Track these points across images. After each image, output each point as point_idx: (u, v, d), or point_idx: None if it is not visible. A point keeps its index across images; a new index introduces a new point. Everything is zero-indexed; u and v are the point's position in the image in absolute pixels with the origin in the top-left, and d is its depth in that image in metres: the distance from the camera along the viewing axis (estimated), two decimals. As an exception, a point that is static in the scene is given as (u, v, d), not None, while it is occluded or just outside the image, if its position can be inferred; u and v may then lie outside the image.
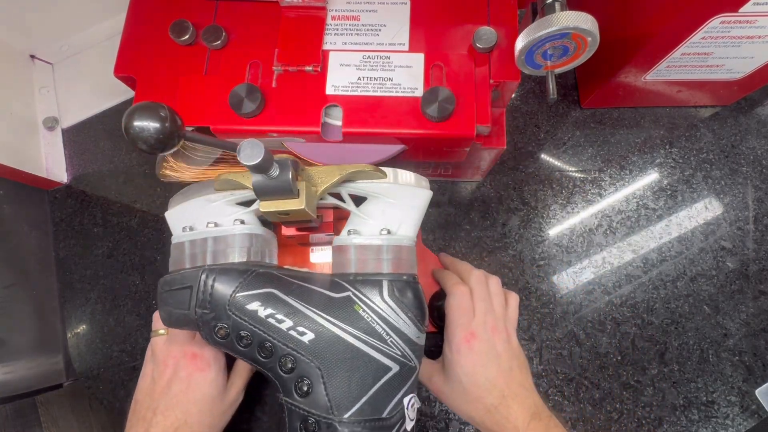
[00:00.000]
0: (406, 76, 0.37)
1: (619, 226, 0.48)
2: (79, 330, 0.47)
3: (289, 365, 0.29)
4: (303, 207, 0.29)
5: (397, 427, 0.30)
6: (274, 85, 0.36)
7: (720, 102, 0.51)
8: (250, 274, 0.31)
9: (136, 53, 0.38)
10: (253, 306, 0.30)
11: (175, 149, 0.26)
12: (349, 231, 0.33)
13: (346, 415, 0.28)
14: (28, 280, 0.46)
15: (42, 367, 0.46)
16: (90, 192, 0.50)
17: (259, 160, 0.25)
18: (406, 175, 0.34)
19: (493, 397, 0.32)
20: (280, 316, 0.30)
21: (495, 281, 0.37)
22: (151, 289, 0.47)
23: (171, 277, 0.32)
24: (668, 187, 0.49)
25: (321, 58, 0.37)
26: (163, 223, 0.48)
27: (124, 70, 0.38)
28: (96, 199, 0.50)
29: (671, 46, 0.40)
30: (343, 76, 0.37)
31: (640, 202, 0.49)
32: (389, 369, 0.30)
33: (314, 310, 0.30)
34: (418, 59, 0.37)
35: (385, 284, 0.31)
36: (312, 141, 0.37)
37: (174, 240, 0.33)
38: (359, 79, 0.37)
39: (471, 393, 0.33)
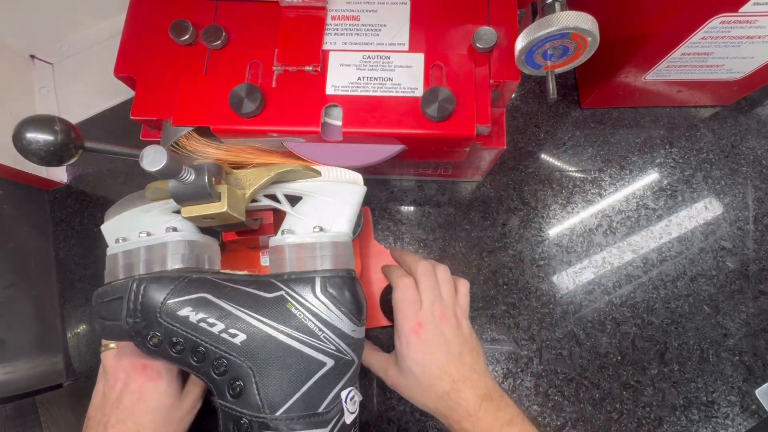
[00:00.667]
0: (406, 76, 0.37)
1: (619, 226, 0.48)
2: (79, 330, 0.47)
3: (222, 368, 0.30)
4: (225, 210, 0.29)
5: (334, 421, 0.30)
6: (274, 85, 0.36)
7: (720, 102, 0.51)
8: (183, 280, 0.31)
9: (136, 53, 0.38)
10: (185, 312, 0.30)
11: (74, 159, 0.27)
12: (283, 231, 0.33)
13: (278, 413, 0.29)
14: (28, 280, 0.46)
15: (42, 367, 0.46)
16: (90, 192, 0.50)
17: (161, 166, 0.25)
18: (339, 172, 0.34)
19: (444, 383, 0.33)
20: (211, 320, 0.30)
21: (443, 269, 0.37)
22: (151, 289, 0.47)
23: (103, 289, 0.32)
24: (668, 187, 0.49)
25: (321, 58, 0.37)
26: (163, 223, 0.49)
27: (124, 70, 0.38)
28: (96, 199, 0.50)
29: (671, 46, 0.40)
30: (343, 76, 0.37)
31: (640, 202, 0.49)
32: (323, 364, 0.30)
33: (246, 311, 0.30)
34: (418, 59, 0.37)
35: (317, 281, 0.31)
36: (312, 141, 0.37)
37: (108, 252, 0.33)
38: (359, 79, 0.37)
39: (423, 382, 0.33)
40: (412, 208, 0.49)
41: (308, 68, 0.37)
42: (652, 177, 0.50)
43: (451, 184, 0.50)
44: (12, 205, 0.46)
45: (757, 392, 0.43)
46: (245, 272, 0.33)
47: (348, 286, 0.32)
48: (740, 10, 0.35)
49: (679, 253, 0.47)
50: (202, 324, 0.30)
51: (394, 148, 0.37)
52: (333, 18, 0.38)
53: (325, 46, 0.37)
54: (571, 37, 0.31)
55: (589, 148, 0.51)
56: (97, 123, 0.52)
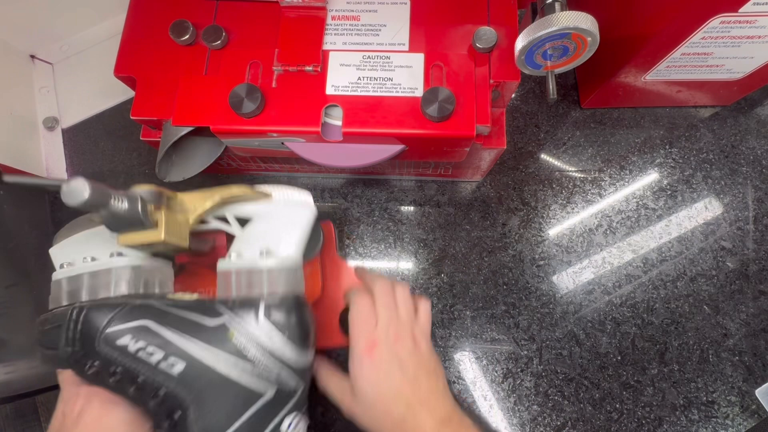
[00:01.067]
0: (406, 76, 0.37)
1: (619, 226, 0.48)
2: (79, 330, 0.47)
3: (159, 398, 0.29)
4: (162, 239, 0.29)
5: None
6: (274, 85, 0.36)
7: (720, 102, 0.51)
8: (124, 307, 0.30)
9: (136, 53, 0.38)
10: (124, 340, 0.29)
11: None
12: (230, 255, 0.32)
13: None
14: (29, 280, 0.46)
15: (42, 367, 0.46)
16: (90, 192, 0.50)
17: (84, 199, 0.24)
18: (289, 194, 0.34)
19: (399, 407, 0.31)
20: (150, 349, 0.29)
21: (402, 288, 0.36)
22: (151, 289, 0.47)
23: (44, 316, 0.31)
24: (668, 187, 0.49)
25: (321, 58, 0.37)
26: (163, 223, 0.49)
27: (124, 70, 0.38)
28: (96, 199, 0.50)
29: (671, 46, 0.40)
30: (343, 76, 0.37)
31: (640, 202, 0.49)
32: (261, 394, 0.29)
33: (186, 338, 0.29)
34: (418, 59, 0.37)
35: (261, 306, 0.30)
36: (312, 141, 0.37)
37: (53, 278, 0.32)
38: (359, 79, 0.37)
39: (378, 406, 0.32)
40: (412, 208, 0.49)
41: (308, 68, 0.37)
42: (652, 177, 0.50)
43: (451, 184, 0.50)
44: (12, 205, 0.46)
45: (757, 392, 0.43)
46: (195, 295, 0.32)
47: (294, 311, 0.31)
48: (740, 10, 0.35)
49: (679, 253, 0.47)
50: (140, 353, 0.29)
51: (394, 148, 0.37)
52: (333, 18, 0.38)
53: (325, 46, 0.38)
54: (571, 37, 0.31)
55: (589, 148, 0.51)
56: (97, 123, 0.52)
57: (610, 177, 0.50)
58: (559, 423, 0.43)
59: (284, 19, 0.38)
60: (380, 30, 0.38)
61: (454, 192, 0.49)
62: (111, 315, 0.29)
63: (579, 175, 0.50)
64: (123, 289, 0.31)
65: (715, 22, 0.36)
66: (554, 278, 0.47)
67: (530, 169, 0.50)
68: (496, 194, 0.49)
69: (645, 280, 0.47)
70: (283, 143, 0.38)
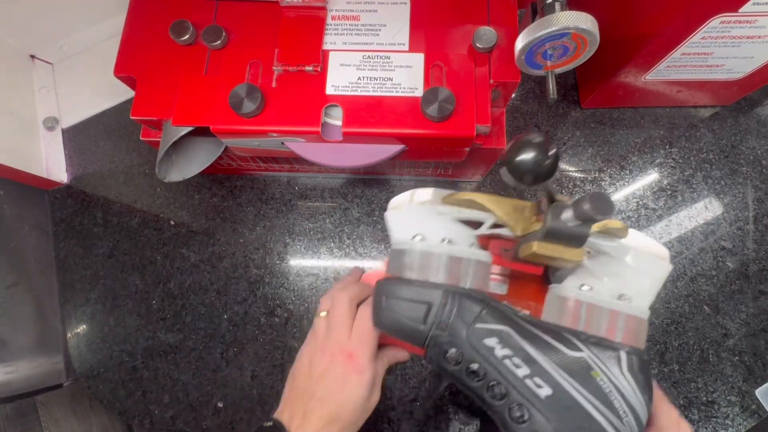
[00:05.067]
0: (406, 76, 0.37)
1: (619, 226, 0.48)
2: (79, 330, 0.47)
3: (521, 414, 0.28)
4: (581, 259, 0.28)
5: None
6: (274, 85, 0.36)
7: (720, 102, 0.51)
8: (487, 305, 0.29)
9: (136, 53, 0.38)
10: (491, 342, 0.28)
11: None
12: (581, 285, 0.30)
13: None
14: (29, 280, 0.46)
15: (42, 367, 0.46)
16: (90, 192, 0.50)
17: (611, 215, 0.24)
18: (647, 241, 0.32)
19: None
20: (517, 360, 0.28)
21: (686, 428, 0.35)
22: (150, 289, 0.47)
23: (402, 286, 0.31)
24: (668, 187, 0.49)
25: (321, 58, 0.37)
26: (164, 223, 0.49)
27: (124, 70, 0.38)
28: (96, 199, 0.50)
29: (671, 46, 0.40)
30: (343, 76, 0.37)
31: (640, 202, 0.49)
32: None
33: (550, 363, 0.28)
34: (418, 59, 0.37)
35: (623, 356, 0.28)
36: (312, 141, 0.37)
37: (400, 245, 0.32)
38: (359, 79, 0.37)
39: None
40: (412, 208, 0.49)
41: (308, 68, 0.37)
42: (652, 177, 0.50)
43: (451, 184, 0.50)
44: (12, 205, 0.46)
45: (757, 392, 0.43)
46: (527, 312, 0.31)
47: (648, 371, 0.29)
48: (740, 10, 0.35)
49: (679, 253, 0.47)
50: (506, 361, 0.28)
51: (394, 148, 0.37)
52: (333, 18, 0.38)
53: (325, 46, 0.37)
54: (571, 37, 0.31)
55: (589, 148, 0.51)
56: (97, 123, 0.52)
57: (610, 177, 0.50)
58: (559, 423, 0.43)
59: (284, 19, 0.38)
60: (380, 30, 0.38)
61: (454, 192, 0.49)
62: (480, 309, 0.29)
63: (579, 175, 0.50)
64: (474, 282, 0.30)
65: (715, 22, 0.36)
66: (554, 278, 0.47)
67: (530, 169, 0.50)
68: (497, 194, 0.49)
69: (645, 280, 0.47)
70: (283, 143, 0.38)
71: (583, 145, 0.51)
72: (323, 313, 0.36)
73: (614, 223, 0.30)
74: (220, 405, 0.44)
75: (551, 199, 0.28)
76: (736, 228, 0.48)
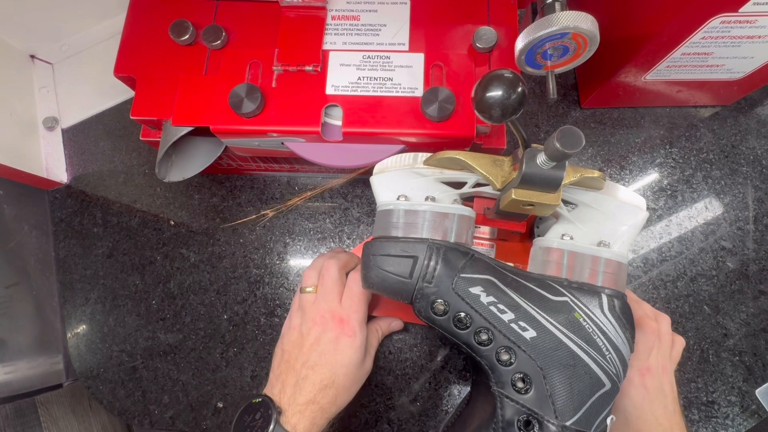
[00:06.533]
0: (406, 76, 0.37)
1: (619, 226, 0.48)
2: (79, 330, 0.47)
3: (508, 358, 0.29)
4: (558, 203, 0.29)
5: None
6: (274, 85, 0.36)
7: (720, 102, 0.51)
8: (470, 257, 0.31)
9: (136, 53, 0.38)
10: (476, 290, 0.30)
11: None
12: (563, 235, 0.32)
13: (569, 422, 0.28)
14: (29, 280, 0.46)
15: (42, 367, 0.46)
16: (90, 192, 0.50)
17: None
18: (624, 191, 0.33)
19: None
20: (501, 306, 0.29)
21: (667, 321, 0.37)
22: (150, 289, 0.47)
23: (388, 243, 0.31)
24: (668, 187, 0.49)
25: (321, 58, 0.37)
26: (163, 223, 0.49)
27: (124, 70, 0.38)
28: (96, 199, 0.50)
29: (671, 46, 0.40)
30: (343, 76, 0.37)
31: (640, 202, 0.49)
32: (603, 384, 0.29)
33: (534, 307, 0.29)
34: (418, 59, 0.37)
35: (604, 297, 0.30)
36: (312, 141, 0.37)
37: (385, 206, 0.33)
38: (359, 79, 0.37)
39: (633, 426, 0.33)
40: (412, 208, 0.49)
41: (308, 68, 0.37)
42: (652, 177, 0.50)
43: (451, 184, 0.50)
44: (12, 205, 0.46)
45: (757, 392, 0.43)
46: (510, 263, 0.32)
47: (629, 311, 0.31)
48: (740, 10, 0.35)
49: (679, 253, 0.47)
50: (492, 307, 0.29)
51: (394, 148, 0.37)
52: (333, 18, 0.38)
53: (325, 46, 0.38)
54: (571, 37, 0.31)
55: (589, 148, 0.51)
56: (97, 123, 0.52)
57: (610, 177, 0.50)
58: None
59: (284, 19, 0.38)
60: (380, 30, 0.38)
61: (454, 192, 0.49)
62: (464, 261, 0.30)
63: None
64: (457, 236, 0.31)
65: (715, 22, 0.36)
66: (554, 278, 0.47)
67: (530, 169, 0.50)
68: (496, 194, 0.49)
69: (645, 280, 0.47)
70: (283, 143, 0.38)
71: (583, 145, 0.51)
72: (309, 289, 0.36)
73: (591, 172, 0.31)
74: (220, 405, 0.44)
75: (526, 146, 0.29)
76: (736, 228, 0.48)
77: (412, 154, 0.34)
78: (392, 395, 0.44)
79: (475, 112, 0.28)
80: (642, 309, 0.37)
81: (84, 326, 0.47)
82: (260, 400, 0.32)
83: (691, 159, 0.50)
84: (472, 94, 0.28)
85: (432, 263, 0.30)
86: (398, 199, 0.32)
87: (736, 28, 0.37)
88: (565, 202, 0.33)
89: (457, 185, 0.33)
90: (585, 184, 0.32)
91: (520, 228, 0.36)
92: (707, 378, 0.44)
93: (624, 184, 0.49)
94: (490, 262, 0.31)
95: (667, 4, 0.37)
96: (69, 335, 0.47)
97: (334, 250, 0.41)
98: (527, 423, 0.28)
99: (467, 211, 0.32)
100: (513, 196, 0.29)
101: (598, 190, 0.33)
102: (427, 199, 0.32)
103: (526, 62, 0.34)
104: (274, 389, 0.34)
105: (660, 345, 0.35)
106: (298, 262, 0.48)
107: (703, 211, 0.49)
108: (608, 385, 0.29)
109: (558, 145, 0.25)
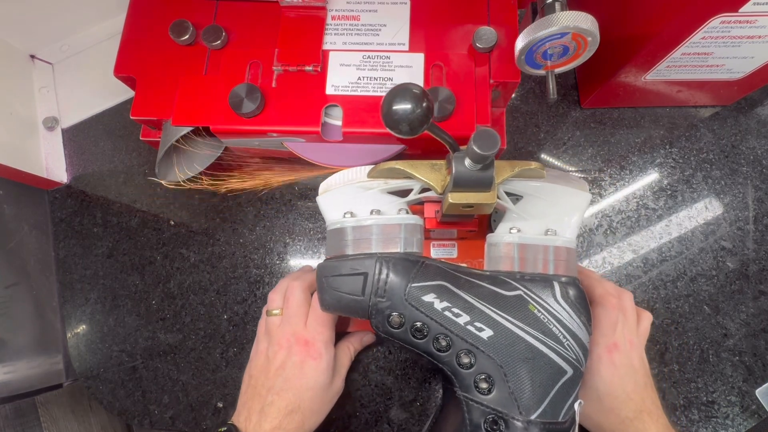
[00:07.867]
0: (406, 76, 0.37)
1: (619, 226, 0.48)
2: (79, 330, 0.47)
3: (468, 360, 0.29)
4: (495, 201, 0.29)
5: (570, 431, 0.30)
6: (274, 85, 0.36)
7: (720, 102, 0.51)
8: (421, 264, 0.31)
9: (136, 53, 0.38)
10: (429, 298, 0.30)
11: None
12: (510, 229, 0.32)
13: (534, 416, 0.28)
14: (29, 280, 0.46)
15: (42, 367, 0.46)
16: (90, 192, 0.50)
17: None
18: (565, 177, 0.34)
19: (628, 410, 0.33)
20: (456, 310, 0.30)
21: (629, 297, 0.37)
22: (150, 289, 0.47)
23: (338, 263, 0.32)
24: (668, 187, 0.49)
25: (321, 58, 0.37)
26: (163, 223, 0.49)
27: (124, 70, 0.38)
28: (96, 199, 0.50)
29: (671, 46, 0.40)
30: (343, 76, 0.37)
31: (640, 202, 0.49)
32: (565, 372, 0.29)
33: (488, 306, 0.30)
34: (418, 59, 0.37)
35: (556, 286, 0.30)
36: (312, 141, 0.37)
37: (333, 225, 0.33)
38: (359, 79, 0.37)
39: (605, 403, 0.34)
40: (412, 208, 0.49)
41: (308, 68, 0.37)
42: (652, 177, 0.50)
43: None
44: (12, 205, 0.46)
45: (757, 392, 0.43)
46: (464, 264, 0.33)
47: (582, 294, 0.31)
48: (740, 10, 0.35)
49: (679, 253, 0.47)
50: (446, 312, 0.29)
51: (394, 148, 0.37)
52: (333, 18, 0.38)
53: (325, 46, 0.38)
54: (571, 37, 0.31)
55: (589, 148, 0.51)
56: (97, 123, 0.52)
57: (610, 177, 0.50)
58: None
59: (284, 19, 0.38)
60: (380, 30, 0.38)
61: (454, 192, 0.49)
62: (415, 269, 0.30)
63: (579, 176, 0.50)
64: (405, 246, 0.31)
65: (715, 22, 0.36)
66: (554, 278, 0.47)
67: (530, 169, 0.50)
68: (496, 194, 0.49)
69: (645, 280, 0.47)
70: (283, 143, 0.38)
71: (583, 145, 0.51)
72: (275, 311, 0.36)
73: (527, 164, 0.31)
74: (220, 405, 0.44)
75: (454, 150, 0.29)
76: (736, 228, 0.48)
77: (356, 168, 0.34)
78: (392, 395, 0.44)
79: (387, 128, 0.28)
80: (603, 287, 0.37)
81: (84, 326, 0.47)
82: (225, 429, 0.32)
83: (691, 159, 0.50)
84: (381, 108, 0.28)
85: (383, 277, 0.30)
86: (345, 216, 0.32)
87: (736, 28, 0.37)
88: (510, 195, 0.33)
89: (406, 193, 0.33)
90: (526, 176, 0.32)
91: (472, 227, 0.37)
92: (707, 378, 0.44)
93: (624, 184, 0.49)
94: (441, 266, 0.31)
95: (667, 4, 0.37)
96: (69, 335, 0.47)
97: (301, 269, 0.41)
98: (494, 423, 0.29)
99: (413, 219, 0.32)
100: (450, 200, 0.30)
101: (540, 179, 0.33)
102: (372, 212, 0.32)
103: (526, 62, 0.34)
104: (240, 417, 0.33)
105: (625, 320, 0.35)
106: (298, 262, 0.48)
107: (703, 211, 0.49)
108: (570, 372, 0.29)
109: (475, 147, 0.26)
